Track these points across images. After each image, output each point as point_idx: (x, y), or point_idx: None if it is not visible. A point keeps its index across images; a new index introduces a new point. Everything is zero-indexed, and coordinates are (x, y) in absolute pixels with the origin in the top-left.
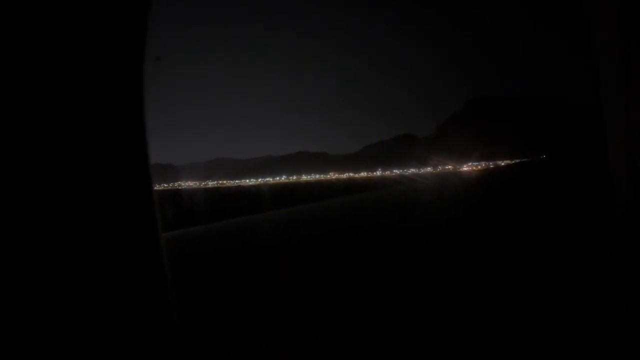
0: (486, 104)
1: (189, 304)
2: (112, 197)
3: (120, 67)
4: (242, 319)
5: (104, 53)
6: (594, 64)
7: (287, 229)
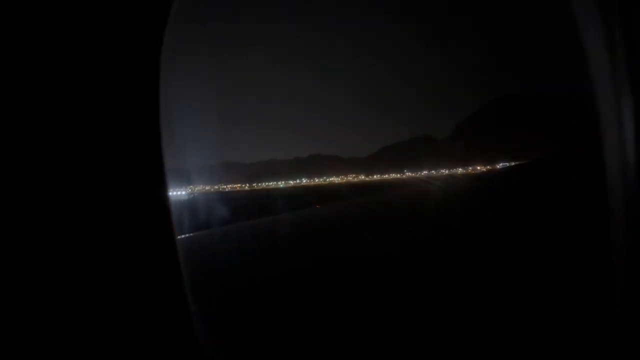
0: (507, 103)
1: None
2: (130, 200)
3: (138, 71)
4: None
5: (122, 59)
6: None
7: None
